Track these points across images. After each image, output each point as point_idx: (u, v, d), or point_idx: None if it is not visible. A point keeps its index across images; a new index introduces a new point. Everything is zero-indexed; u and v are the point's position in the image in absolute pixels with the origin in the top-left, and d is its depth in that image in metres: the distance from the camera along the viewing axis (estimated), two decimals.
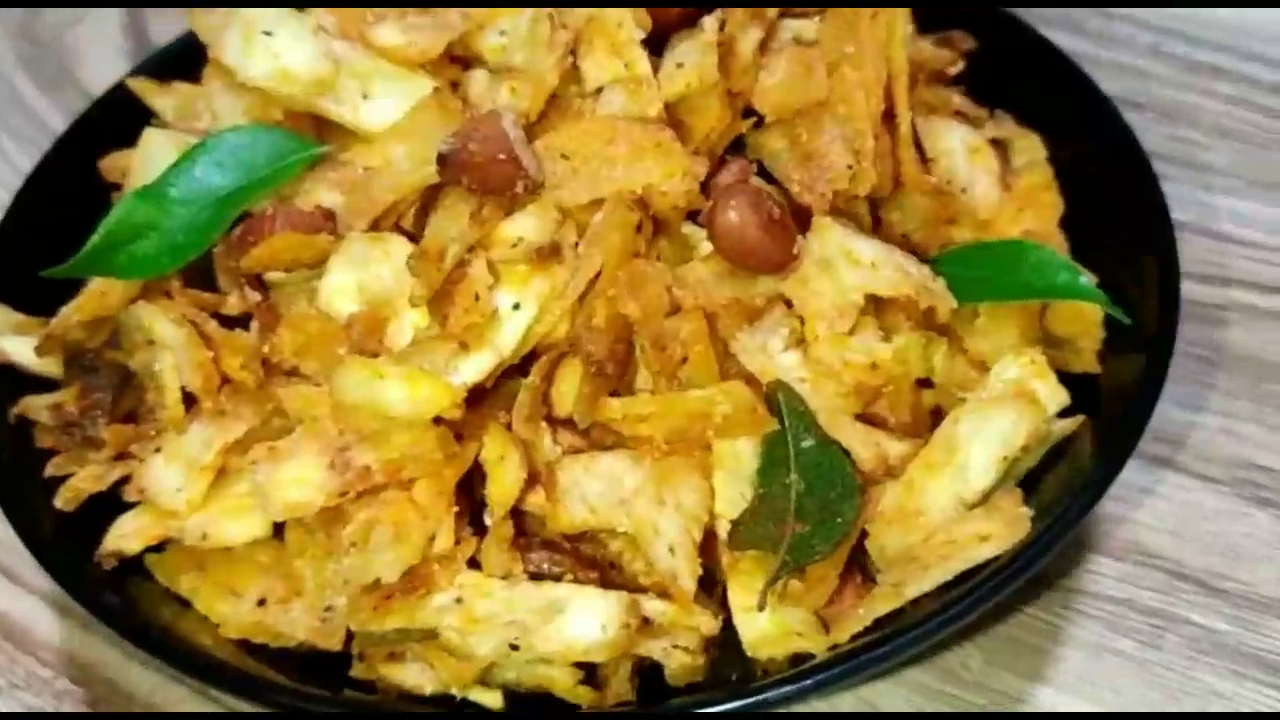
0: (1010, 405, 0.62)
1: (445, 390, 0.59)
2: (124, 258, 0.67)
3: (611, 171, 0.65)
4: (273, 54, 0.69)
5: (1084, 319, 0.68)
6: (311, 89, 0.70)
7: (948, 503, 0.62)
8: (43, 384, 0.72)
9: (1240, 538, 0.71)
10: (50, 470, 0.68)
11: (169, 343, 0.65)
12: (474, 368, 0.61)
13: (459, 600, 0.60)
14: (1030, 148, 0.77)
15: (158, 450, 0.65)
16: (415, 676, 0.61)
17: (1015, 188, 0.73)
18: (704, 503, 0.62)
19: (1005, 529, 0.59)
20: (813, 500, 0.60)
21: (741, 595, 0.61)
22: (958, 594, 0.58)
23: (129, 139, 0.75)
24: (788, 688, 0.56)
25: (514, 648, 0.58)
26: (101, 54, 1.10)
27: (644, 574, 0.62)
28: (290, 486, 0.60)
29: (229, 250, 0.67)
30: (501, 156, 0.62)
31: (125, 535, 0.65)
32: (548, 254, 0.62)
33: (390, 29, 0.71)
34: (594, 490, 0.61)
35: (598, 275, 0.63)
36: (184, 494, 0.64)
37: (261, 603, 0.63)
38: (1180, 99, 0.93)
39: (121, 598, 0.63)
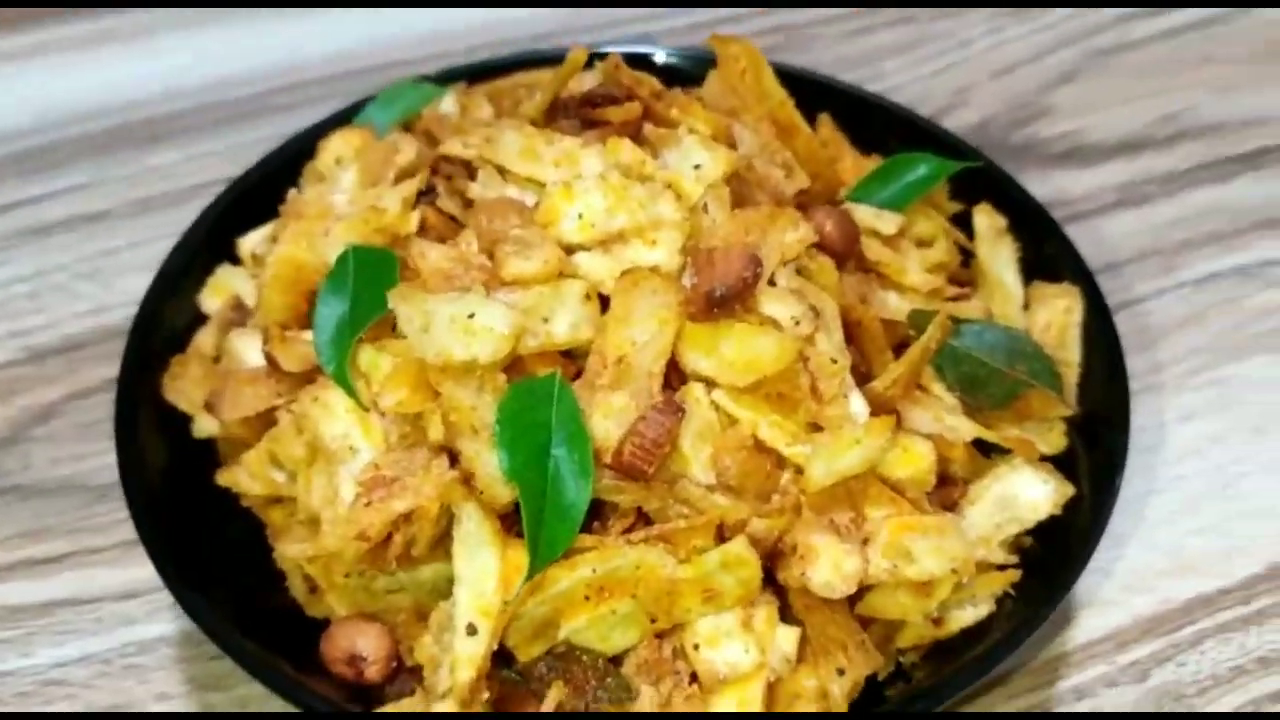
0: (1002, 239, 0.96)
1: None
2: (552, 542, 0.72)
3: (763, 251, 0.84)
4: (488, 330, 0.76)
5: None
6: (515, 341, 0.77)
7: (1012, 310, 0.95)
8: None
9: None
10: None
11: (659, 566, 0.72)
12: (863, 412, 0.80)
13: None
14: None
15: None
16: None
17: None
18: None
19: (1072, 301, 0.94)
20: (998, 353, 0.89)
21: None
22: None
23: None
24: None
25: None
26: None
27: None
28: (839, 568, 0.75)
29: (623, 473, 0.75)
30: (759, 270, 0.79)
31: None
32: (816, 316, 0.81)
33: (515, 262, 0.80)
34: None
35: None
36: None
37: (841, 672, 0.77)
38: None
39: None
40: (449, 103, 1.02)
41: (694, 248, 0.80)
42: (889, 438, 0.76)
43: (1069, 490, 0.82)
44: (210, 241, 0.98)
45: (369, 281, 0.82)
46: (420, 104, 1.03)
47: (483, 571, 0.73)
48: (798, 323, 0.79)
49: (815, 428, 0.78)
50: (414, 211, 0.87)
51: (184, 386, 0.88)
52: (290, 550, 0.79)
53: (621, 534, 0.74)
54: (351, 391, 0.79)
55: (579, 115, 0.91)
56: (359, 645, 0.77)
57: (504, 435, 0.74)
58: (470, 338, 0.75)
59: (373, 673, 0.77)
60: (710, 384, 0.79)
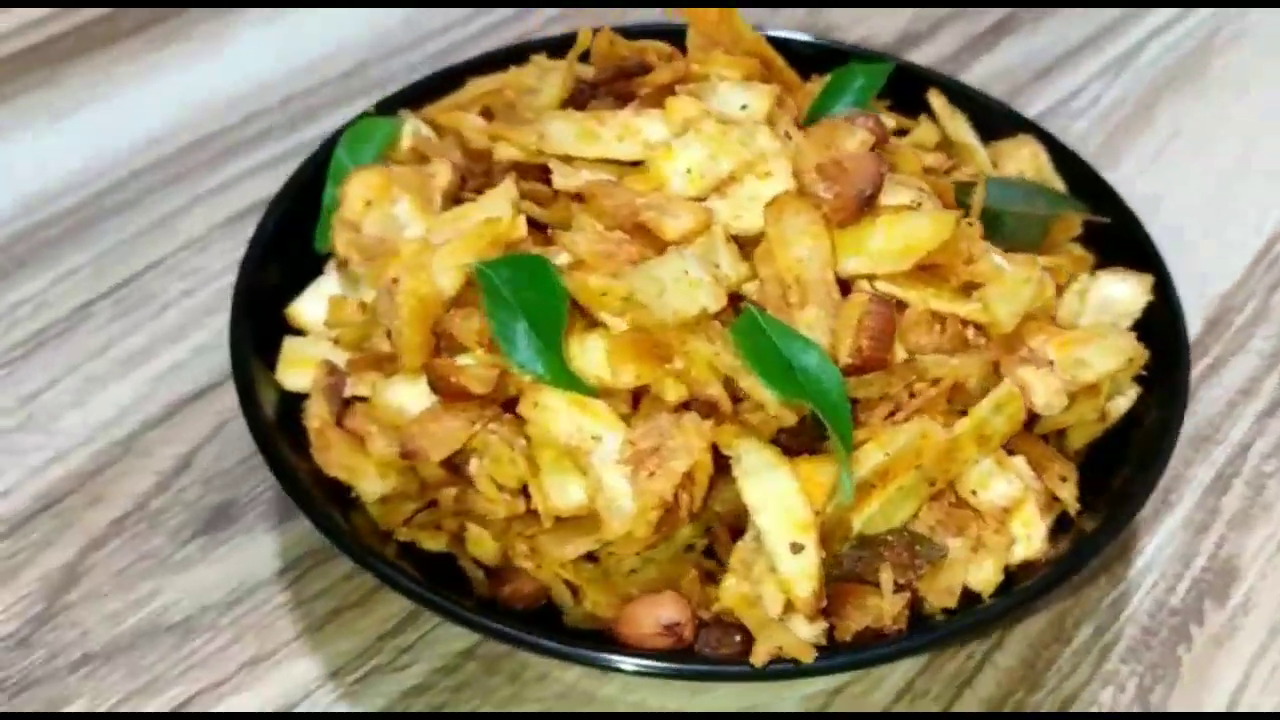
0: (956, 112, 1.09)
1: None
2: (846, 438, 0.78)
3: None
4: (700, 281, 0.80)
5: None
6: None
7: (988, 169, 1.09)
8: None
9: None
10: None
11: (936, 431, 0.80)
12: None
13: None
14: None
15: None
16: None
17: None
18: None
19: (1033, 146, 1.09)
20: (1018, 199, 1.02)
21: None
22: None
23: None
24: None
25: None
26: None
27: None
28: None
29: (866, 367, 0.81)
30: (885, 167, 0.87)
31: None
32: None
33: (671, 223, 0.84)
34: None
35: None
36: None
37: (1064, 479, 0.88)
38: None
39: None
40: (421, 127, 1.03)
41: (818, 165, 0.87)
42: (1039, 273, 0.87)
43: (1149, 277, 0.97)
44: (253, 319, 0.94)
45: (527, 286, 0.83)
46: (390, 136, 1.02)
47: (783, 492, 0.78)
48: (919, 204, 0.88)
49: (966, 289, 0.88)
50: (520, 215, 0.88)
51: (337, 458, 0.85)
52: (565, 552, 0.79)
53: (885, 419, 0.81)
54: (578, 386, 0.80)
55: (611, 92, 0.95)
56: (663, 615, 0.79)
57: (755, 367, 0.78)
58: (695, 290, 0.79)
59: (688, 632, 0.79)
60: (870, 278, 0.86)
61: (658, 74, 0.93)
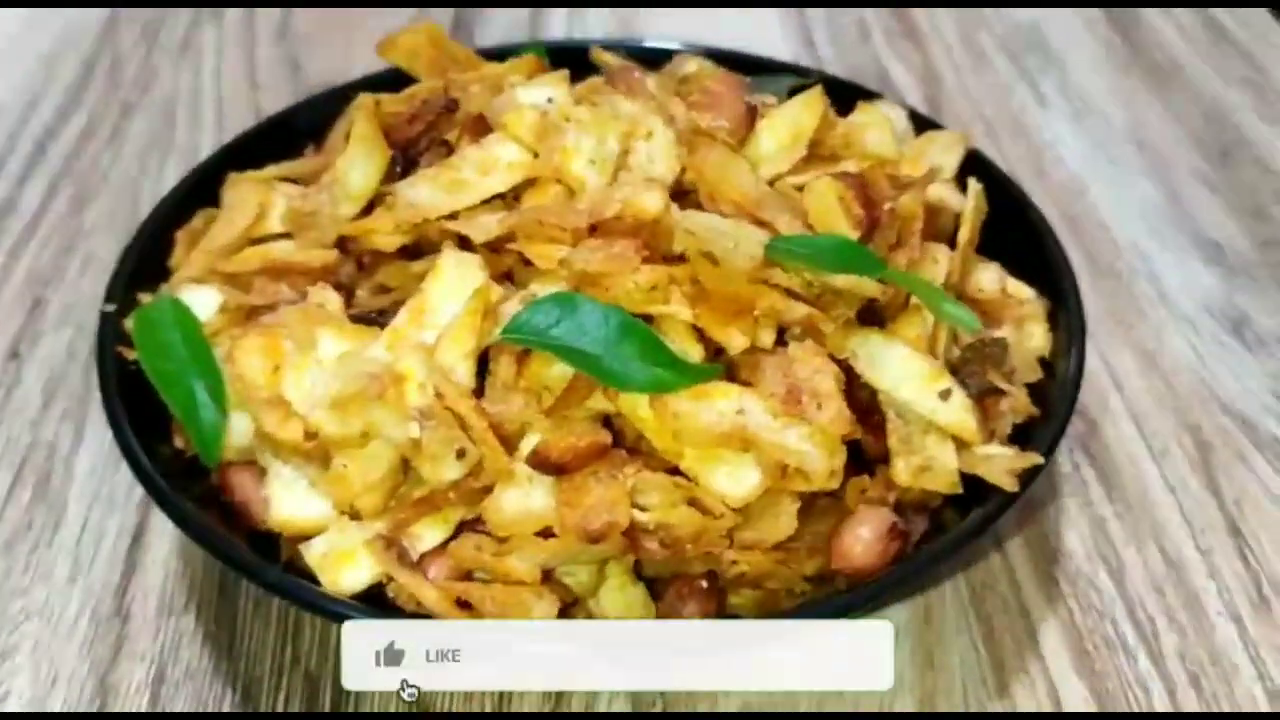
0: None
1: None
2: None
3: None
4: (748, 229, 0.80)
5: None
6: None
7: None
8: None
9: None
10: None
11: None
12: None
13: None
14: None
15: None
16: None
17: None
18: None
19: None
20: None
21: None
22: None
23: None
24: None
25: None
26: None
27: None
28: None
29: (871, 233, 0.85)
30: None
31: None
32: None
33: (648, 200, 0.82)
34: None
35: None
36: None
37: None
38: None
39: None
40: (209, 290, 0.89)
41: (688, 102, 0.89)
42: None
43: (895, 105, 1.07)
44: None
45: (571, 325, 0.77)
46: (182, 315, 0.88)
47: (907, 358, 0.80)
48: (765, 103, 0.94)
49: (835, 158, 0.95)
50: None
51: (502, 602, 0.75)
52: (780, 528, 0.77)
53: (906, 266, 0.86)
54: (707, 374, 0.77)
55: (432, 141, 0.89)
56: (878, 524, 0.80)
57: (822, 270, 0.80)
58: (747, 233, 0.79)
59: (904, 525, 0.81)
60: (780, 178, 0.91)
61: (471, 103, 0.89)
